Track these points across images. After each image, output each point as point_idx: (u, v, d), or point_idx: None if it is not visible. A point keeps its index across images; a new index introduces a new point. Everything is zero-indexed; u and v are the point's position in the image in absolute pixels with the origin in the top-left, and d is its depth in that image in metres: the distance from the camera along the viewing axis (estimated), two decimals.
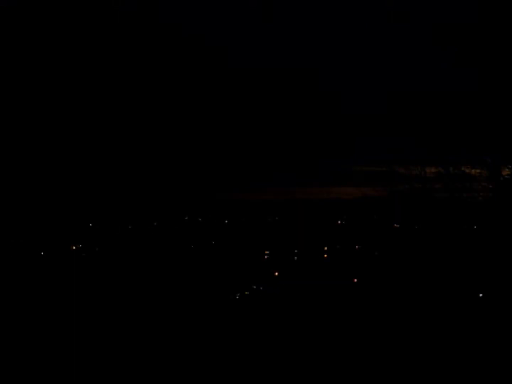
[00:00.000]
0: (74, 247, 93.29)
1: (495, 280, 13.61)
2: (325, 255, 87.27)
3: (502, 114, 12.71)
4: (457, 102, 13.33)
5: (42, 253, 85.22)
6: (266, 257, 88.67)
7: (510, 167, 12.92)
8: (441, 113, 14.06)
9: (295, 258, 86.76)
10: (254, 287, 57.52)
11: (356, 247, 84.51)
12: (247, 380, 18.22)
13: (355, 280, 51.78)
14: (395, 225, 32.65)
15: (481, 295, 15.36)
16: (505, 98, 12.92)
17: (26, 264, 69.88)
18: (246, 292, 53.86)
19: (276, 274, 67.28)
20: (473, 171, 13.46)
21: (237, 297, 51.28)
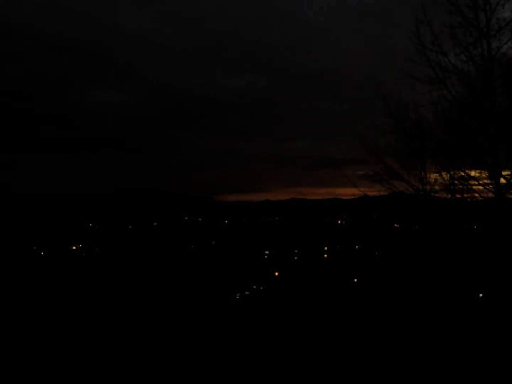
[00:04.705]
0: (74, 247, 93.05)
1: (495, 280, 13.58)
2: (325, 255, 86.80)
3: (502, 116, 12.69)
4: (457, 104, 13.31)
5: (42, 253, 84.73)
6: (266, 257, 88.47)
7: (510, 167, 12.89)
8: (442, 115, 14.02)
9: (295, 258, 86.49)
10: (254, 287, 57.72)
11: (356, 247, 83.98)
12: (247, 378, 18.20)
13: (355, 280, 51.72)
14: (395, 225, 32.62)
15: (481, 295, 15.33)
16: (503, 101, 12.91)
17: (27, 264, 69.51)
18: (246, 292, 54.04)
19: (276, 274, 67.34)
20: (473, 172, 13.41)
21: (237, 297, 51.44)
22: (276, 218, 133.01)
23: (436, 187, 15.86)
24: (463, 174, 13.41)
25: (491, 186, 12.85)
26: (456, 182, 14.04)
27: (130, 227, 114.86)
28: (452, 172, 14.01)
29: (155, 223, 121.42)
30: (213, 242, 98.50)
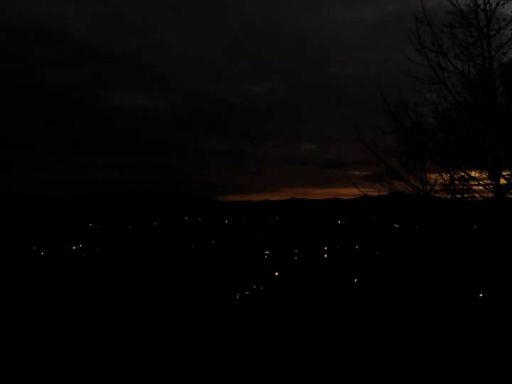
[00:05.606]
0: (74, 247, 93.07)
1: (495, 280, 13.58)
2: (325, 255, 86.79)
3: (502, 116, 12.69)
4: (457, 104, 13.30)
5: (42, 253, 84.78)
6: (266, 257, 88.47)
7: (510, 167, 12.88)
8: (442, 115, 14.02)
9: (295, 258, 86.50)
10: (254, 287, 57.71)
11: (356, 247, 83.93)
12: (247, 378, 18.21)
13: (355, 280, 51.69)
14: (395, 225, 32.61)
15: (481, 295, 15.33)
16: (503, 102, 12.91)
17: (27, 264, 69.49)
18: (246, 292, 54.03)
19: (276, 274, 67.29)
20: (473, 172, 13.40)
21: (237, 297, 51.44)
22: (276, 218, 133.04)
23: (436, 187, 15.87)
24: (463, 174, 13.40)
25: (491, 186, 12.84)
26: (456, 182, 14.04)
27: (130, 227, 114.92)
28: (452, 172, 14.00)
29: (155, 223, 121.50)
30: (213, 242, 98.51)
